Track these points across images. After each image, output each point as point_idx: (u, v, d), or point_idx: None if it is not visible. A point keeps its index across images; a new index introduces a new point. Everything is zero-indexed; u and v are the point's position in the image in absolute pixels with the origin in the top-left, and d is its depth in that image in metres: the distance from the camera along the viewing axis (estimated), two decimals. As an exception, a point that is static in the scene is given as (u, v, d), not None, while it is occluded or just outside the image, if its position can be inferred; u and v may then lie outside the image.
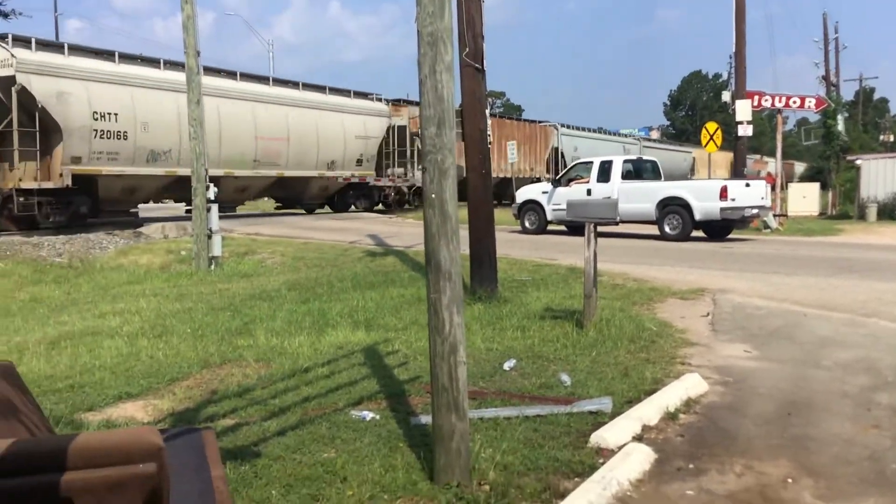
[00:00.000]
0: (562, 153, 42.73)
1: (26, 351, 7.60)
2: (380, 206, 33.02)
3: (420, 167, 31.03)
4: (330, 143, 28.47)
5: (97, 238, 18.66)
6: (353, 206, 31.39)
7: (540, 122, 43.44)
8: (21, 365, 6.73)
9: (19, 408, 3.08)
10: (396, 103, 32.76)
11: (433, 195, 4.13)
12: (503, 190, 38.77)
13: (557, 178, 21.91)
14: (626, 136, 54.33)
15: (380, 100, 32.07)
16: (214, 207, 15.06)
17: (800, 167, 72.19)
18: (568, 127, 45.22)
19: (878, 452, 4.69)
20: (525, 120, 43.41)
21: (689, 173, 57.84)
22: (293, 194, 29.53)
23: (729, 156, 59.95)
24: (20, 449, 2.36)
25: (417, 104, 31.43)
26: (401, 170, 32.95)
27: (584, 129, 47.60)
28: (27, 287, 13.34)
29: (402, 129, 32.66)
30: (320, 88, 29.17)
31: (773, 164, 32.91)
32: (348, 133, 29.25)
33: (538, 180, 35.10)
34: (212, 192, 15.05)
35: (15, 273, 14.18)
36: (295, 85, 27.96)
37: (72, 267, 15.38)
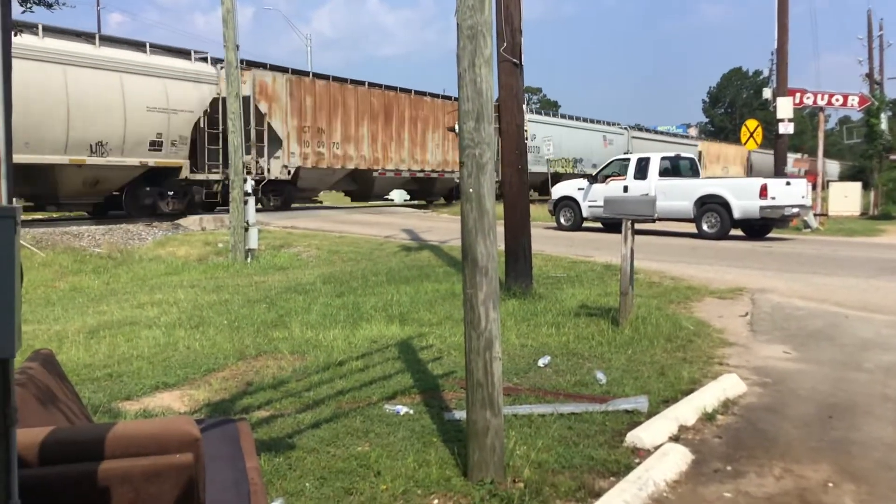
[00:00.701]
0: None
1: (66, 340, 7.71)
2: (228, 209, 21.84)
3: (272, 155, 24.29)
4: (94, 116, 19.24)
5: (136, 229, 18.92)
6: (158, 208, 21.99)
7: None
8: (60, 353, 6.83)
9: (58, 396, 3.11)
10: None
11: (471, 190, 4.10)
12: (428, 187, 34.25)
13: (594, 174, 21.73)
14: (610, 124, 47.02)
15: (205, 59, 22.81)
16: (251, 200, 15.19)
17: (832, 166, 68.93)
18: None
19: (922, 458, 4.58)
20: (451, 97, 33.00)
21: None
22: (35, 190, 20.06)
23: (742, 151, 56.30)
24: (59, 437, 2.38)
25: (267, 67, 26.25)
26: (246, 157, 22.59)
27: (541, 114, 40.76)
28: (67, 277, 13.56)
29: (244, 101, 22.64)
30: (86, 37, 19.68)
31: (816, 163, 32.30)
32: (133, 102, 20.07)
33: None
34: (249, 184, 15.20)
35: (55, 263, 14.41)
36: (30, 28, 17.74)
37: (111, 257, 15.60)
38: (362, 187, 31.25)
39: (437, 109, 33.38)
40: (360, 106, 29.14)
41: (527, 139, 10.40)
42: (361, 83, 29.67)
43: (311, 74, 27.70)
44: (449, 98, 33.37)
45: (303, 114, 26.36)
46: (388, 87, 31.13)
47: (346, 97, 28.55)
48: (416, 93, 32.73)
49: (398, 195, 37.06)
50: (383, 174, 30.58)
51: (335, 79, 28.46)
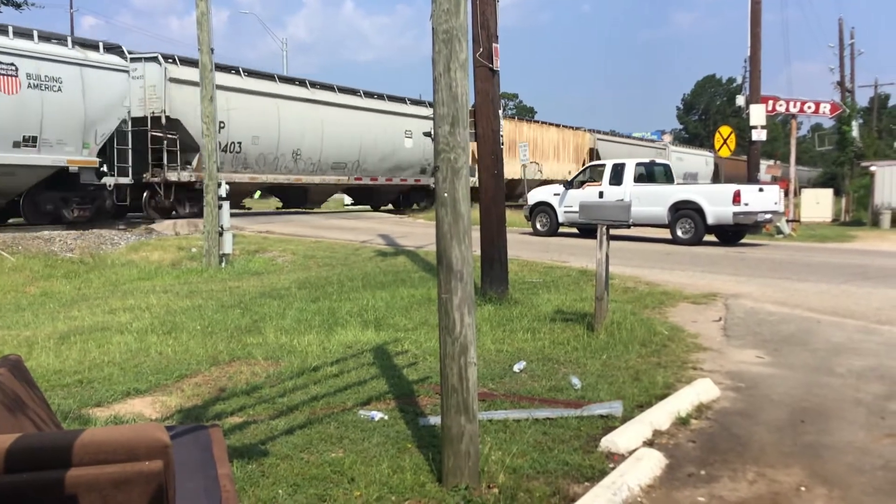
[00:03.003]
0: None
1: (36, 345, 7.60)
2: None
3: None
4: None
5: (108, 234, 18.70)
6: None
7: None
8: (30, 359, 6.74)
9: (26, 402, 3.06)
10: None
11: (445, 194, 4.09)
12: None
13: (570, 180, 21.85)
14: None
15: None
16: (226, 205, 15.08)
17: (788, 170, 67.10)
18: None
19: (892, 462, 4.62)
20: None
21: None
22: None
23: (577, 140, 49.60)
24: (25, 444, 2.34)
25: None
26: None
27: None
28: (38, 282, 13.38)
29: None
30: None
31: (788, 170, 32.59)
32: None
33: None
34: (223, 189, 15.08)
35: (26, 268, 14.21)
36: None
37: (83, 262, 15.42)
38: None
39: None
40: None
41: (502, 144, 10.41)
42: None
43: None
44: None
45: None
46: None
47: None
48: None
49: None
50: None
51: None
